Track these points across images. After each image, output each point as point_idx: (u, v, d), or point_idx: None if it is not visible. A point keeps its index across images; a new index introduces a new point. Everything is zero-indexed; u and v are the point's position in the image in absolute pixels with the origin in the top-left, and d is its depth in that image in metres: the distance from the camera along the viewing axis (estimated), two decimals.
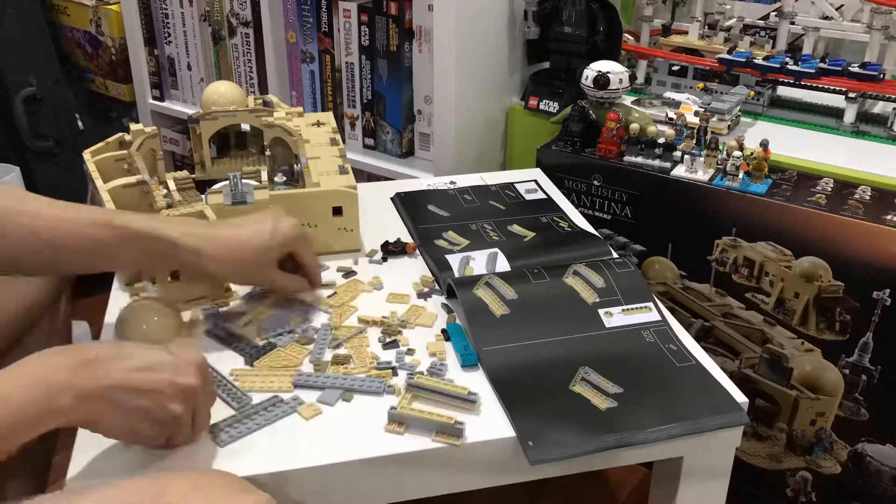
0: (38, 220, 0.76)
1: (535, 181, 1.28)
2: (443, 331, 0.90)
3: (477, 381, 0.83)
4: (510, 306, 0.90)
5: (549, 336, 0.88)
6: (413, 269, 1.03)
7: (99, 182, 0.98)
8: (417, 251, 1.07)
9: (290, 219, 0.90)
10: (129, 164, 1.04)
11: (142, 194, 0.99)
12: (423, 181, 1.29)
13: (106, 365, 0.65)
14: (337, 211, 1.04)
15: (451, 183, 1.27)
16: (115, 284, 0.98)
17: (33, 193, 0.80)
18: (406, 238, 1.10)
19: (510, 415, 0.77)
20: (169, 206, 0.96)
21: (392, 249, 1.06)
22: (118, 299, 0.95)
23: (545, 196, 1.23)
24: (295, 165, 1.10)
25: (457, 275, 0.98)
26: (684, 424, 0.78)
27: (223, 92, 1.20)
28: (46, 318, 1.04)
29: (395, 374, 0.83)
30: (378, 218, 1.16)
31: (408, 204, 1.20)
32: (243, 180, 1.01)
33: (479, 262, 1.00)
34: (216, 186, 1.07)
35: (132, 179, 0.99)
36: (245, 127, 1.24)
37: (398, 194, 1.23)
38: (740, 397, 0.81)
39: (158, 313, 0.86)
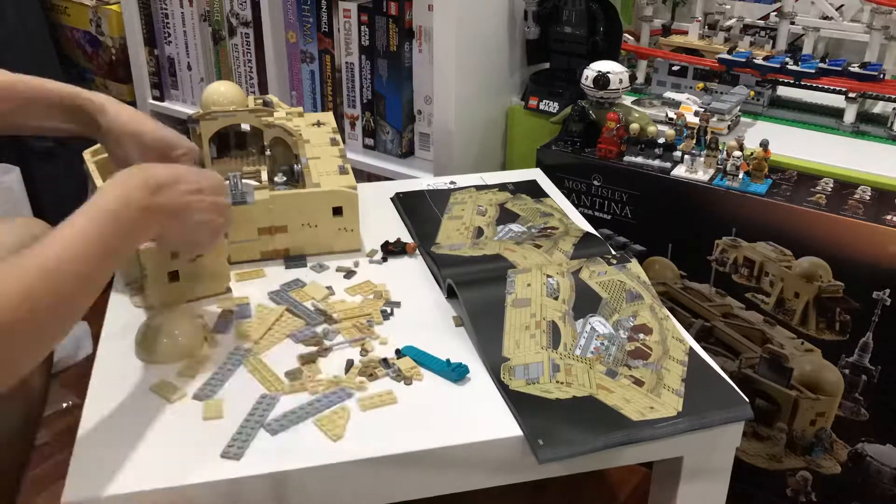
0: (19, 80, 0.97)
1: (535, 181, 1.28)
2: (397, 351, 0.87)
3: (479, 379, 0.83)
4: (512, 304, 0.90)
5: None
6: (414, 270, 1.03)
7: (98, 182, 0.99)
8: (417, 251, 1.07)
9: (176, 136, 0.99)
10: None
11: None
12: (424, 181, 1.29)
13: (171, 189, 0.79)
14: (337, 211, 1.04)
15: (451, 183, 1.27)
16: (115, 285, 0.98)
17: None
18: (406, 238, 1.10)
19: (518, 413, 0.77)
20: None
21: (392, 249, 1.06)
22: (118, 300, 0.95)
23: (544, 195, 1.23)
24: (295, 165, 1.10)
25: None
26: (690, 420, 0.78)
27: (223, 92, 1.20)
28: None
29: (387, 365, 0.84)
30: (378, 218, 1.16)
31: (407, 204, 1.20)
32: (243, 180, 1.01)
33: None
34: None
35: None
36: (245, 127, 1.23)
37: (398, 194, 1.23)
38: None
39: (178, 325, 0.87)
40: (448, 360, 0.84)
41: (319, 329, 0.90)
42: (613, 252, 1.03)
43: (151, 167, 0.81)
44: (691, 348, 0.88)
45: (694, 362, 0.86)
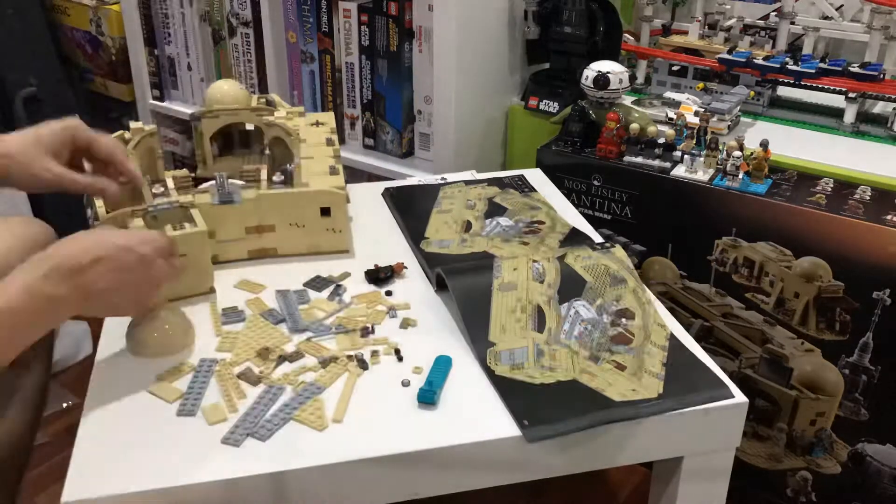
0: None
1: (523, 176, 1.28)
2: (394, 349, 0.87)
3: (480, 379, 0.83)
4: (501, 291, 0.91)
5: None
6: (413, 284, 1.01)
7: None
8: (405, 271, 1.02)
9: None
10: None
11: (134, 192, 0.99)
12: (419, 180, 1.29)
13: (90, 274, 0.73)
14: (325, 211, 1.03)
15: (442, 179, 1.27)
16: None
17: None
18: (398, 237, 1.10)
19: (503, 397, 0.78)
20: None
21: (382, 276, 1.00)
22: None
23: (532, 189, 1.23)
24: (288, 165, 1.10)
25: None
26: (673, 400, 0.79)
27: (226, 91, 1.20)
28: None
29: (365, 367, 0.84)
30: (373, 218, 1.16)
31: (398, 199, 1.20)
32: (230, 180, 1.01)
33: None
34: (203, 186, 1.07)
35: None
36: (249, 126, 1.24)
37: (387, 189, 1.23)
38: (740, 397, 0.81)
39: (167, 320, 0.87)
40: (432, 382, 0.81)
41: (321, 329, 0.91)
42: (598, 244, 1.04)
43: (65, 247, 0.75)
44: (672, 333, 0.89)
45: (675, 347, 0.87)
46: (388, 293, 0.97)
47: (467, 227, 1.11)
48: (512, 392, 0.79)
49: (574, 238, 1.07)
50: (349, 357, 0.85)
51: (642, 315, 0.90)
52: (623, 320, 0.89)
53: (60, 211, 1.70)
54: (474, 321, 0.88)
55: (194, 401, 0.79)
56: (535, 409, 0.77)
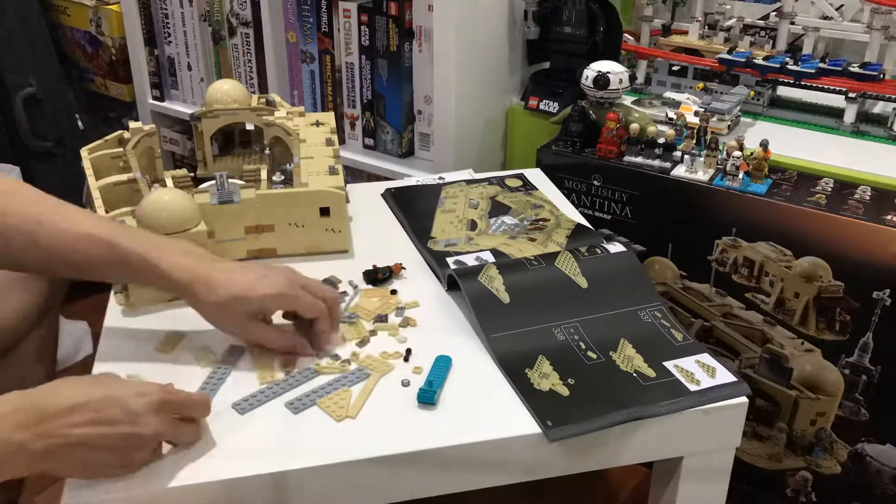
0: (39, 227, 0.78)
1: (523, 174, 1.28)
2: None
3: (482, 379, 0.83)
4: (512, 293, 0.91)
5: (551, 321, 0.89)
6: (412, 284, 1.01)
7: (91, 179, 0.99)
8: (403, 271, 1.03)
9: (287, 274, 0.84)
10: (123, 162, 1.04)
11: (132, 192, 0.99)
12: (417, 180, 1.29)
13: (60, 422, 0.64)
14: (324, 211, 1.03)
15: (440, 178, 1.28)
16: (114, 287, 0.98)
17: (39, 192, 0.82)
18: (399, 235, 1.10)
19: (525, 398, 0.79)
20: None
21: (381, 277, 1.00)
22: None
23: (533, 188, 1.24)
24: (288, 165, 1.10)
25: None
26: (692, 397, 0.80)
27: (227, 90, 1.20)
28: (41, 324, 1.03)
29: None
30: (374, 219, 1.16)
31: (400, 199, 1.20)
32: (230, 180, 1.01)
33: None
34: (203, 186, 1.07)
35: (123, 177, 0.99)
36: (250, 126, 1.24)
37: (388, 190, 1.23)
38: (741, 398, 0.81)
39: (175, 202, 0.90)
40: (432, 381, 0.81)
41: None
42: (604, 239, 1.06)
43: (45, 388, 0.66)
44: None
45: (690, 343, 0.88)
46: (394, 292, 0.98)
47: (472, 226, 1.12)
48: (533, 391, 0.80)
49: (580, 234, 1.07)
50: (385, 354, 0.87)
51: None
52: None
53: None
54: (489, 320, 0.89)
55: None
56: (556, 409, 0.78)
